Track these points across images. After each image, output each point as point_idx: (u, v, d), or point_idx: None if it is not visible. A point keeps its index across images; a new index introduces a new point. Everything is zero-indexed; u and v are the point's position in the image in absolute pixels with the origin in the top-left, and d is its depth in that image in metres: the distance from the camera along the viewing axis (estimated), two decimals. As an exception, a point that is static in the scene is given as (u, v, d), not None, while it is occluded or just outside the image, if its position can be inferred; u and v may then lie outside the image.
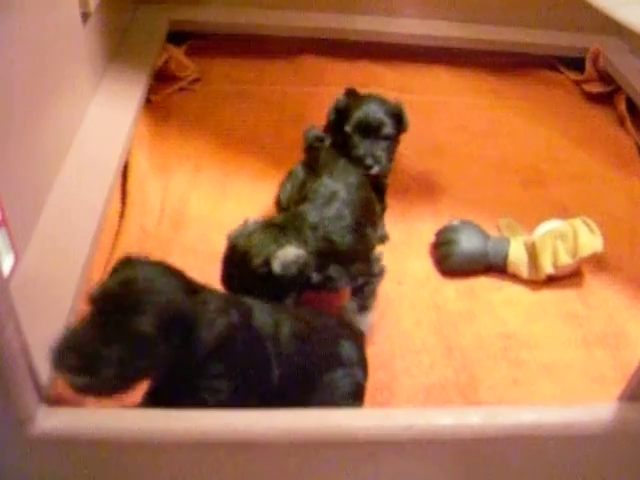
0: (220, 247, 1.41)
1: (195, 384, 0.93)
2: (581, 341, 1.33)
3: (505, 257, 1.40)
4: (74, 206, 1.34)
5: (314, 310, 1.17)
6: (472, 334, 1.30)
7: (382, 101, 1.45)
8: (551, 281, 1.42)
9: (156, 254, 1.36)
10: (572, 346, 1.32)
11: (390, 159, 1.43)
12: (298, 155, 1.65)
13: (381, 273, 1.28)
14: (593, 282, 1.45)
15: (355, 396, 1.08)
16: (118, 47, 1.84)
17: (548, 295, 1.41)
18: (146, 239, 1.41)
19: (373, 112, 1.42)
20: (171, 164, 1.63)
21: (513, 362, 1.26)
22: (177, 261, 1.34)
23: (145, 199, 1.50)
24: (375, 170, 1.39)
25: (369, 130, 1.40)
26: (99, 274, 1.29)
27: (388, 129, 1.41)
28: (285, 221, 1.19)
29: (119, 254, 1.35)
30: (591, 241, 1.37)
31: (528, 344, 1.30)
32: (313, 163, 1.37)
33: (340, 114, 1.45)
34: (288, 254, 1.10)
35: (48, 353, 0.83)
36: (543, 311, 1.37)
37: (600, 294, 1.43)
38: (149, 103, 1.81)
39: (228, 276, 1.16)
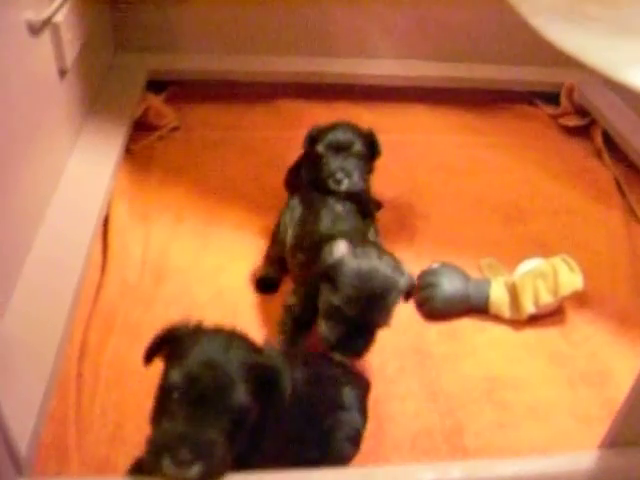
0: (202, 298, 1.43)
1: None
2: (566, 380, 1.33)
3: (486, 298, 1.40)
4: (54, 262, 1.34)
5: (321, 355, 1.18)
6: (456, 378, 1.30)
7: (353, 125, 1.49)
8: (533, 320, 1.42)
9: (138, 308, 1.38)
10: (557, 386, 1.32)
11: (362, 178, 1.44)
12: (279, 202, 1.66)
13: None
14: (575, 319, 1.45)
15: (353, 441, 1.10)
16: (96, 98, 1.85)
17: (531, 334, 1.41)
18: (128, 293, 1.41)
19: (344, 132, 1.45)
20: (152, 214, 1.63)
21: (498, 405, 1.26)
22: (160, 314, 1.38)
23: (126, 252, 1.50)
24: (345, 184, 1.40)
25: (340, 148, 1.43)
26: (80, 332, 1.29)
27: (359, 147, 1.44)
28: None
29: (101, 309, 1.36)
30: (571, 279, 1.38)
31: (513, 386, 1.30)
32: (307, 199, 1.40)
33: (313, 141, 1.47)
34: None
35: (148, 458, 0.81)
36: (527, 351, 1.38)
37: (583, 331, 1.43)
38: (129, 153, 1.82)
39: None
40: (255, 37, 2.12)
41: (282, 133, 1.98)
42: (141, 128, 1.90)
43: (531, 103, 2.24)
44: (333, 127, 1.47)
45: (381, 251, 1.16)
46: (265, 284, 1.46)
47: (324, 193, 1.40)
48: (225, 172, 1.81)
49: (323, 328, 1.15)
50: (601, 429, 1.20)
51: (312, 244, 1.25)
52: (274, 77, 2.11)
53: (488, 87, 2.21)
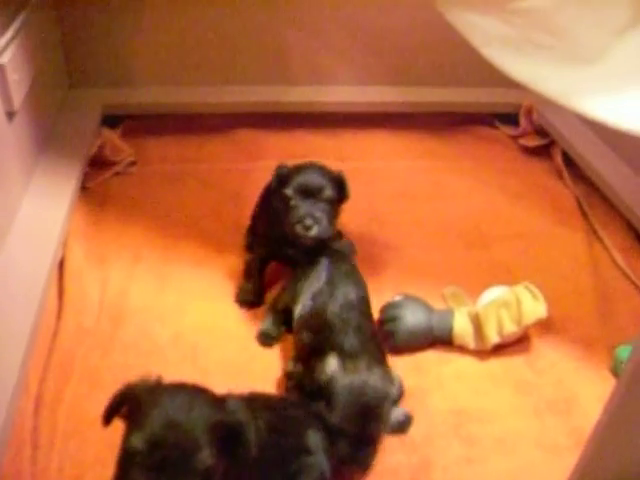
0: (161, 340, 1.40)
1: None
2: (532, 410, 1.31)
3: (450, 330, 1.39)
4: (7, 309, 1.31)
5: (282, 398, 1.19)
6: (422, 413, 1.28)
7: (323, 168, 1.45)
8: (498, 349, 1.40)
9: (96, 353, 1.35)
10: (523, 416, 1.31)
11: (331, 223, 1.40)
12: (238, 239, 1.64)
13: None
14: (540, 346, 1.44)
15: None
16: (50, 136, 1.81)
17: (496, 364, 1.40)
18: (85, 338, 1.37)
19: (314, 176, 1.41)
20: (109, 255, 1.60)
21: (465, 439, 1.24)
22: (118, 360, 1.34)
23: (83, 295, 1.47)
24: (314, 231, 1.36)
25: (309, 192, 1.39)
26: (35, 382, 1.25)
27: (329, 192, 1.40)
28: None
29: (57, 357, 1.32)
30: (535, 308, 1.37)
31: (479, 418, 1.28)
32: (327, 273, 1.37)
33: (281, 181, 1.43)
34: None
35: None
36: (492, 382, 1.36)
37: (548, 358, 1.42)
38: (85, 191, 1.79)
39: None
40: (210, 67, 2.11)
41: (241, 165, 1.96)
42: (97, 164, 1.87)
43: (491, 125, 2.24)
44: (302, 168, 1.43)
45: (371, 360, 1.18)
46: (265, 339, 1.43)
47: (290, 239, 1.39)
48: (184, 207, 1.78)
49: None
50: (569, 459, 1.17)
51: (319, 328, 1.26)
52: (231, 108, 2.09)
53: (447, 110, 2.21)
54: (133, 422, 0.86)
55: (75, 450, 1.17)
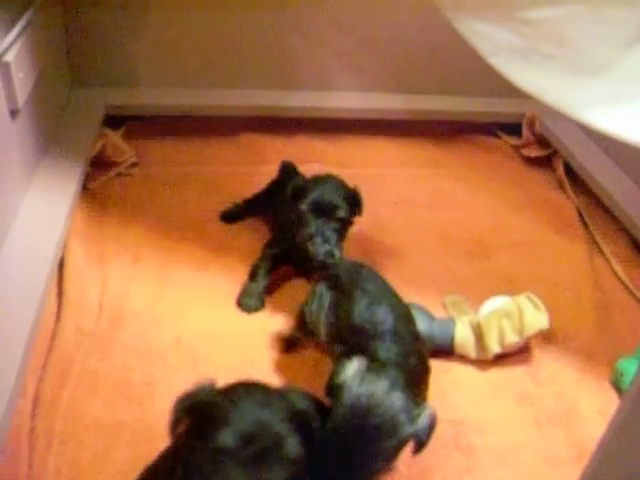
0: (161, 344, 1.39)
1: None
2: (533, 421, 1.31)
3: (451, 339, 1.38)
4: (6, 310, 1.29)
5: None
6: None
7: (339, 183, 1.46)
8: (499, 359, 1.40)
9: (94, 355, 1.34)
10: (524, 427, 1.30)
11: (341, 240, 1.42)
12: (240, 242, 1.64)
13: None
14: (541, 356, 1.44)
15: None
16: (52, 135, 1.81)
17: (497, 374, 1.39)
18: (84, 340, 1.37)
19: (329, 193, 1.42)
20: (109, 256, 1.59)
21: (465, 450, 1.23)
22: (117, 362, 1.34)
23: (82, 296, 1.46)
24: (323, 252, 1.37)
25: (323, 211, 1.40)
26: (33, 384, 1.24)
27: (342, 212, 1.41)
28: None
29: (56, 359, 1.31)
30: (537, 319, 1.36)
31: (479, 429, 1.28)
32: (337, 282, 1.28)
33: (296, 194, 1.44)
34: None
35: None
36: (493, 392, 1.36)
37: (549, 369, 1.42)
38: (86, 191, 1.78)
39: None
40: (215, 71, 2.11)
41: (243, 168, 1.96)
42: (99, 165, 1.86)
43: (493, 134, 2.24)
44: (319, 183, 1.45)
45: (399, 381, 1.02)
46: (289, 344, 1.41)
47: (299, 254, 1.41)
48: (185, 210, 1.77)
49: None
50: (569, 471, 1.19)
51: (351, 334, 1.17)
52: (234, 111, 2.09)
53: (450, 119, 2.21)
54: (208, 426, 0.86)
55: (72, 453, 1.16)
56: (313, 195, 1.41)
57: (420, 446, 1.02)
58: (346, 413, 0.97)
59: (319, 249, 1.38)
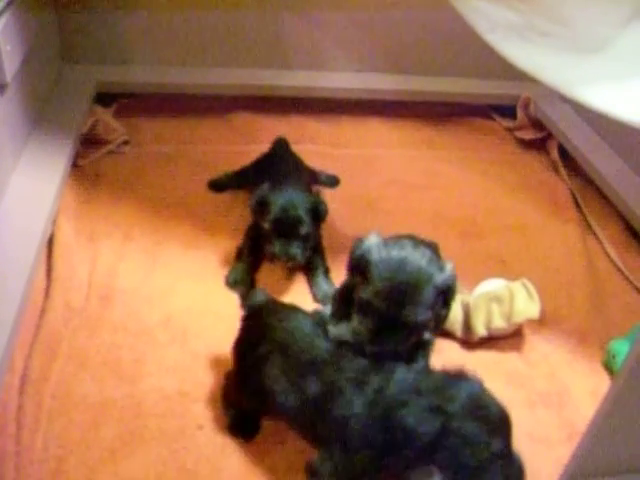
0: (150, 322, 1.37)
1: None
2: (524, 402, 1.30)
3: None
4: (-6, 286, 1.28)
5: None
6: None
7: (300, 194, 1.46)
8: (491, 341, 1.39)
9: (83, 332, 1.33)
10: (516, 408, 1.26)
11: (307, 248, 1.45)
12: (231, 221, 1.62)
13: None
14: (533, 338, 1.43)
15: None
16: (42, 112, 1.78)
17: (489, 355, 1.39)
18: (72, 317, 1.35)
19: (293, 207, 1.42)
20: (99, 234, 1.57)
21: (456, 430, 1.23)
22: (106, 339, 1.32)
23: (71, 273, 1.44)
24: (289, 265, 1.46)
25: (286, 230, 1.42)
26: (21, 361, 1.23)
27: (305, 229, 1.42)
28: None
29: (44, 335, 1.30)
30: (527, 308, 1.36)
31: (471, 409, 1.27)
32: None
33: (261, 204, 1.45)
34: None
35: None
36: (485, 373, 1.32)
37: (540, 350, 1.41)
38: (76, 169, 1.76)
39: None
40: (208, 49, 2.08)
41: (236, 147, 1.94)
42: (89, 143, 1.84)
43: (487, 116, 2.23)
44: (281, 195, 1.44)
45: (418, 242, 1.09)
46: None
47: None
48: (176, 188, 1.76)
49: (355, 323, 1.08)
50: (561, 451, 1.19)
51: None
52: (227, 90, 2.07)
53: (444, 100, 2.20)
54: None
55: (60, 430, 1.15)
56: (276, 211, 1.42)
57: (451, 293, 1.10)
58: (382, 273, 1.04)
59: (285, 263, 1.44)
